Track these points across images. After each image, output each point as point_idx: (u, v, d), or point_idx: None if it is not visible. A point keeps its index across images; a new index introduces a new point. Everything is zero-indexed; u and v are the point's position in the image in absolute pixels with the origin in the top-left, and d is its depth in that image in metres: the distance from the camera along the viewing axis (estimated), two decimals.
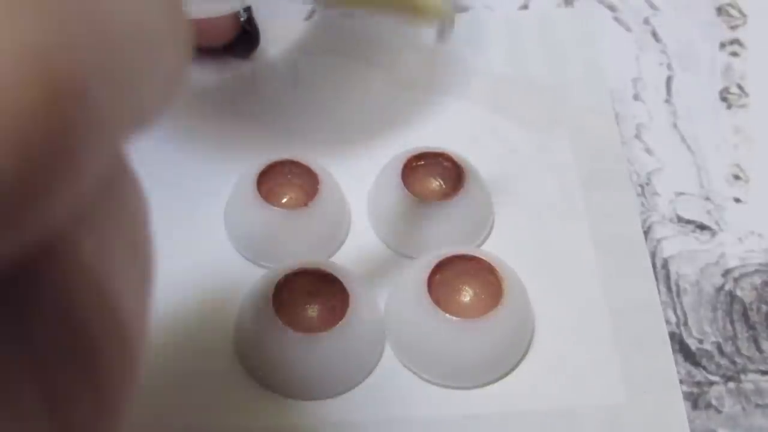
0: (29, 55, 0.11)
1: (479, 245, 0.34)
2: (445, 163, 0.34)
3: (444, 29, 0.28)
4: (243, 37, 0.38)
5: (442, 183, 0.34)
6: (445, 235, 0.33)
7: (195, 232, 0.34)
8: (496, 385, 0.31)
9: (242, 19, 0.37)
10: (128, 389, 0.15)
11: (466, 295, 0.32)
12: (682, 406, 0.31)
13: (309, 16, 0.41)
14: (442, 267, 0.31)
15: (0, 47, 0.11)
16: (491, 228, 0.35)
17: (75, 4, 0.12)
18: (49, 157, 0.11)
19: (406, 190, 0.33)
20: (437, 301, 0.30)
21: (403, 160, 0.34)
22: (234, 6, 0.35)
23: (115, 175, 0.14)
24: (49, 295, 0.13)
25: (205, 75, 0.39)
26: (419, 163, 0.34)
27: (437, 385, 0.31)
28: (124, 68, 0.13)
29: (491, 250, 0.34)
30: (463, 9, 0.42)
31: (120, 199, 0.15)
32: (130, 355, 0.15)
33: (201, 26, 0.38)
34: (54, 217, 0.12)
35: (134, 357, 0.15)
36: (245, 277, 0.32)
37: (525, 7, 0.42)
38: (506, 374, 0.31)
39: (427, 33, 0.29)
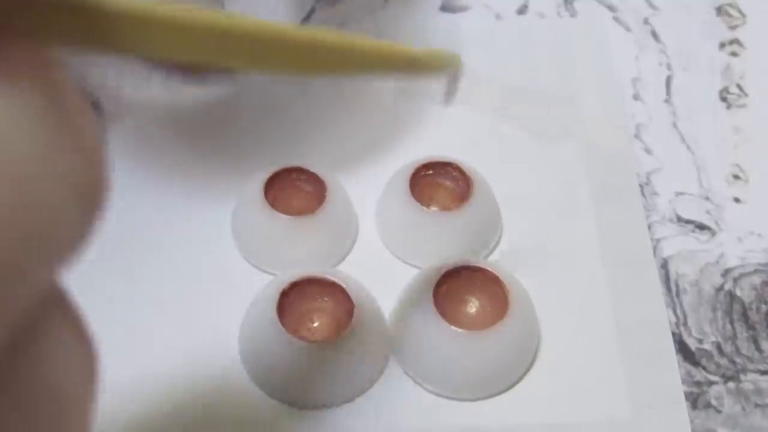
0: None
1: (487, 256, 0.34)
2: (454, 173, 0.34)
3: (452, 83, 0.26)
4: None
5: (450, 193, 0.34)
6: (452, 245, 0.33)
7: (202, 237, 0.34)
8: (500, 397, 0.31)
9: None
10: None
11: (472, 307, 0.32)
12: (687, 423, 0.31)
13: (306, 18, 0.41)
14: (448, 278, 0.31)
15: None
16: (499, 239, 0.34)
17: None
18: None
19: (413, 200, 0.33)
20: (443, 312, 0.30)
21: (412, 170, 0.33)
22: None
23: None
24: None
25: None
26: (428, 172, 0.34)
27: (441, 396, 0.31)
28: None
29: (499, 261, 0.34)
30: (462, 9, 0.42)
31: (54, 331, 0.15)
32: None
33: None
34: None
35: None
36: (251, 284, 0.32)
37: (524, 7, 0.42)
38: (511, 387, 0.31)
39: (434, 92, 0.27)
